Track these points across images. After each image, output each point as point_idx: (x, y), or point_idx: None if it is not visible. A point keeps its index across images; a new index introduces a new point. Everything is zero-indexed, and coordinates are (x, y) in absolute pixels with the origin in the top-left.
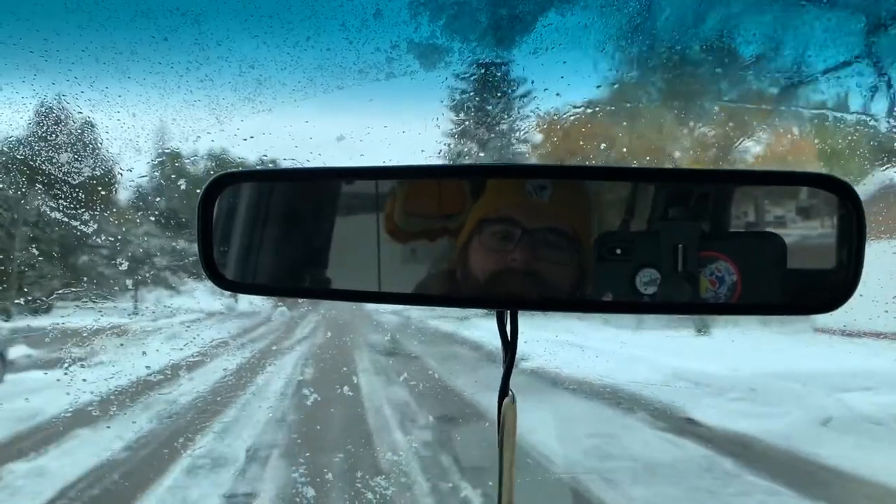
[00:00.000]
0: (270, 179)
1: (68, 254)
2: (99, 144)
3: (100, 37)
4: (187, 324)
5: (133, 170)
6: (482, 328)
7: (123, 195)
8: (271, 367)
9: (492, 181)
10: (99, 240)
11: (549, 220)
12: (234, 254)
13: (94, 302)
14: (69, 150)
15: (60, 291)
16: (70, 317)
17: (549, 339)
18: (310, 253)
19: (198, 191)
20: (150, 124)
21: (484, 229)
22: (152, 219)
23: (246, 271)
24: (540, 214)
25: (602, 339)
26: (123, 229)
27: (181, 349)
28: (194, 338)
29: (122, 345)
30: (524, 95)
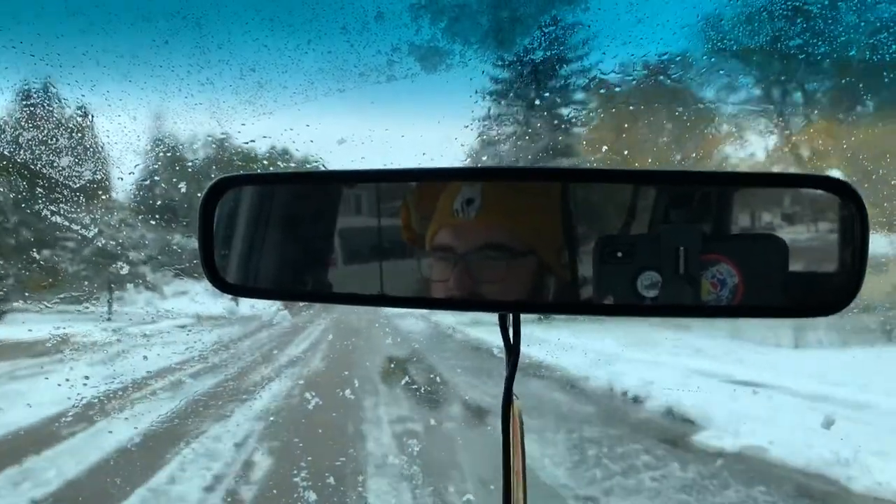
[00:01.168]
0: (271, 183)
1: (32, 250)
2: (99, 146)
3: (101, 40)
4: (153, 335)
5: (133, 173)
6: (552, 342)
7: (116, 195)
8: (198, 446)
9: (444, 196)
10: (86, 237)
11: (479, 238)
12: (235, 257)
13: (63, 304)
14: (69, 153)
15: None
16: (24, 324)
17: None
18: (311, 256)
19: (198, 194)
20: (150, 127)
21: (432, 256)
22: (152, 221)
23: (247, 275)
24: (470, 234)
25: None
26: (115, 227)
27: (98, 384)
28: (135, 362)
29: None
30: None
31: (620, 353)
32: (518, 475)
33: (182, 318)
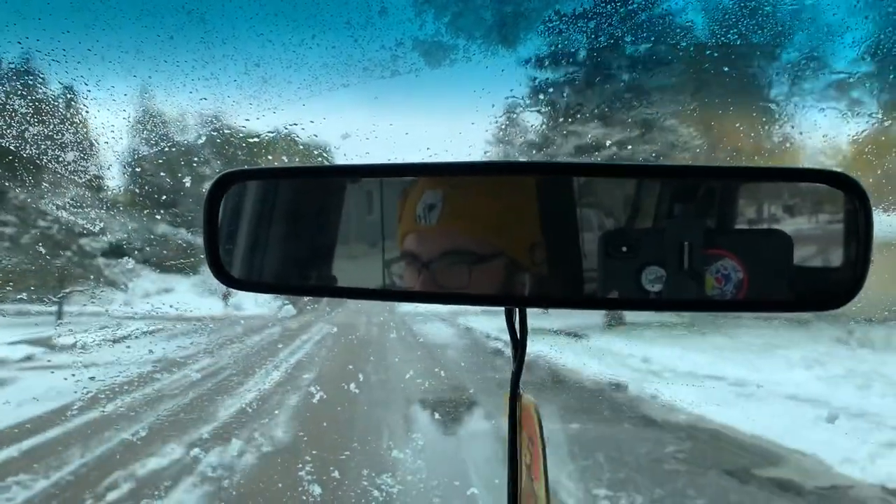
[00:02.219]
0: (276, 177)
1: None
2: (104, 141)
3: (106, 36)
4: (81, 352)
5: (137, 167)
6: (724, 379)
7: (120, 190)
8: None
9: (409, 201)
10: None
11: (439, 245)
12: (239, 252)
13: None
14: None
15: None
16: None
17: None
18: (315, 251)
19: (203, 189)
20: (155, 121)
21: (403, 260)
22: (157, 216)
23: (252, 269)
24: (430, 241)
25: None
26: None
27: None
28: None
29: None
30: None
31: (851, 402)
32: (536, 467)
33: (150, 319)
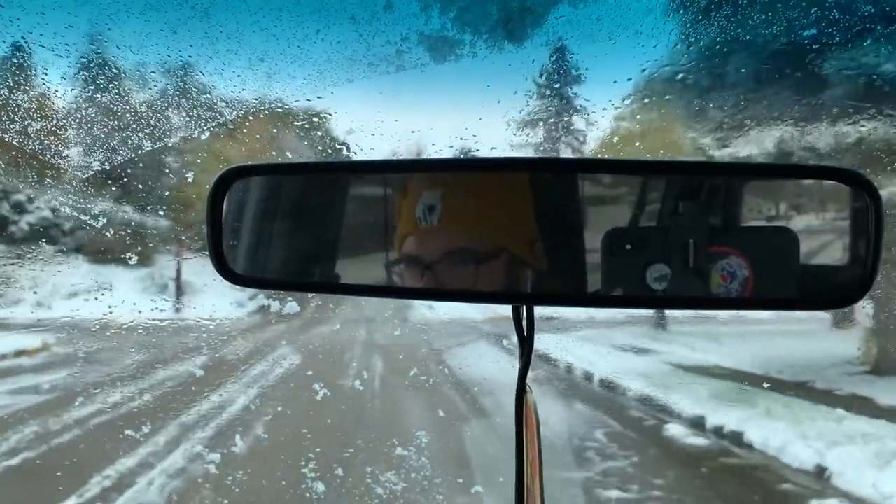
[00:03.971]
0: (280, 173)
1: None
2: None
3: (110, 30)
4: None
5: (142, 163)
6: None
7: (123, 186)
8: None
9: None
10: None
11: (442, 245)
12: (243, 248)
13: None
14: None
15: None
16: None
17: None
18: (319, 247)
19: (207, 186)
20: (159, 116)
21: (403, 262)
22: (159, 213)
23: (255, 266)
24: (433, 242)
25: None
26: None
27: None
28: None
29: None
30: None
31: None
32: (534, 466)
33: (57, 329)
